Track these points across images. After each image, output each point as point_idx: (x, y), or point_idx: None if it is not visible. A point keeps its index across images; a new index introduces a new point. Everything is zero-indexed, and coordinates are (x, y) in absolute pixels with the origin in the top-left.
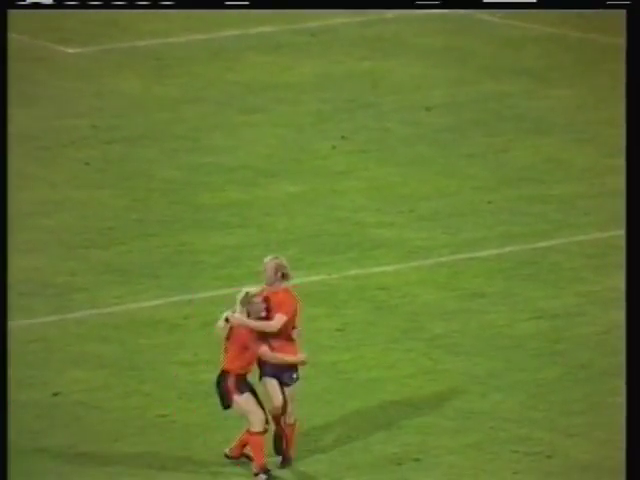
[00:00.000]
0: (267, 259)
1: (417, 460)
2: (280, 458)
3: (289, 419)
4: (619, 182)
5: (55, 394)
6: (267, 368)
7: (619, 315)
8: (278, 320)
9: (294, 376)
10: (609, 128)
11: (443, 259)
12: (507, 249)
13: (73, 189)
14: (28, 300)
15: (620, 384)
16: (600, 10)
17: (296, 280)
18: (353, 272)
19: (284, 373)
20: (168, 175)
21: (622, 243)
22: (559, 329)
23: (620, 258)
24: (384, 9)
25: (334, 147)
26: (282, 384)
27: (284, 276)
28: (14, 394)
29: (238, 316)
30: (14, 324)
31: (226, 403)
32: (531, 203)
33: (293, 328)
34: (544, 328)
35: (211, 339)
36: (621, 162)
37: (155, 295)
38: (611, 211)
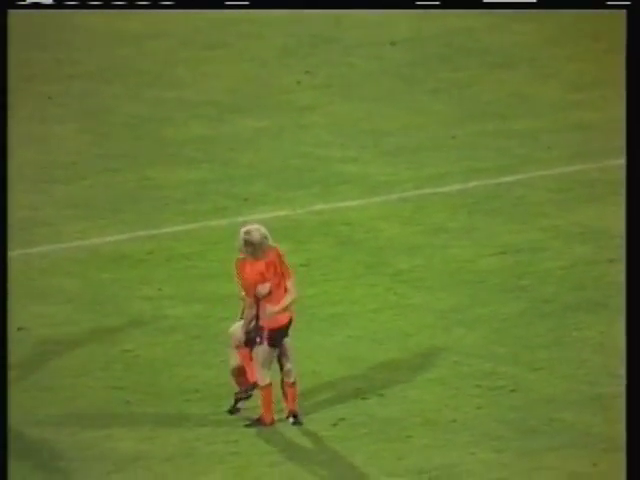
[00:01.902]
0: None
1: (381, 395)
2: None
3: (289, 378)
4: (583, 117)
5: (19, 329)
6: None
7: (583, 250)
8: (293, 287)
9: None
10: (573, 63)
11: (407, 194)
12: (471, 184)
13: (36, 124)
14: None
15: (584, 318)
16: (600, 10)
17: (261, 215)
18: (317, 207)
19: (283, 333)
20: (132, 110)
21: (586, 177)
22: (523, 264)
23: (584, 192)
24: (384, 9)
25: (299, 82)
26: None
27: (266, 244)
28: None
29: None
30: None
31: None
32: (495, 138)
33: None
34: (508, 263)
35: (175, 274)
36: (584, 97)
37: (119, 230)
38: (575, 146)
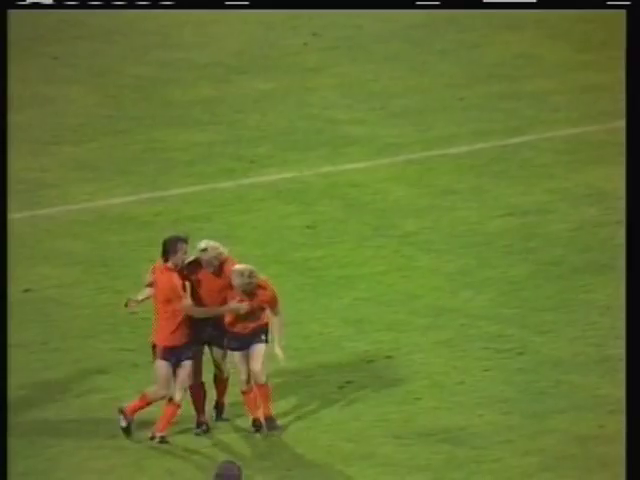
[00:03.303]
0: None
1: (389, 357)
2: (265, 424)
3: (259, 379)
4: (590, 78)
5: (26, 290)
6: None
7: (590, 212)
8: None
9: (262, 337)
10: (581, 24)
11: (414, 156)
12: (478, 146)
13: (42, 84)
14: None
15: (591, 281)
16: (600, 10)
17: (267, 177)
18: (324, 169)
19: (254, 335)
20: (138, 71)
21: (593, 139)
22: (530, 226)
23: (591, 154)
24: (384, 9)
25: (305, 44)
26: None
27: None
28: None
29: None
30: None
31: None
32: (502, 100)
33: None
34: (515, 225)
35: None
36: (592, 58)
37: (126, 192)
38: (582, 107)
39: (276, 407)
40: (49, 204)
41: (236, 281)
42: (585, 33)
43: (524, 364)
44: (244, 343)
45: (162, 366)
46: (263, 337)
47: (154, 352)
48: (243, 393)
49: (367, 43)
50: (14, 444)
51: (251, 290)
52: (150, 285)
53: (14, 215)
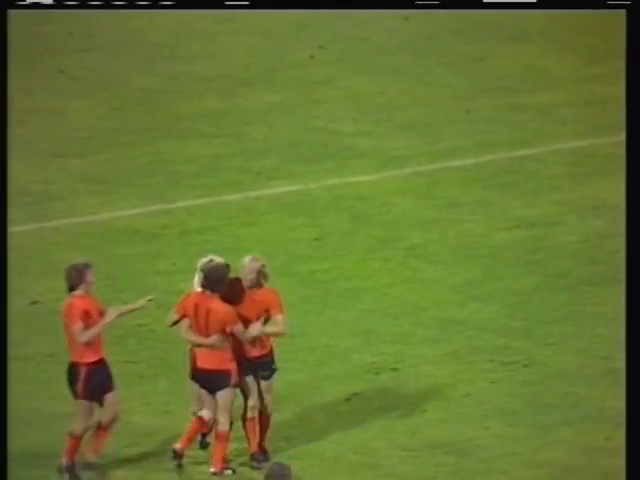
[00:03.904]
0: (246, 260)
1: (395, 370)
2: (261, 456)
3: (267, 410)
4: (596, 90)
5: (33, 302)
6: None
7: (597, 224)
8: (283, 322)
9: (274, 367)
10: (588, 36)
11: (421, 168)
12: (485, 158)
13: (49, 97)
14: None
15: (598, 293)
16: (600, 10)
17: (274, 190)
18: (331, 182)
19: (264, 365)
20: (145, 84)
21: (600, 151)
22: (537, 238)
23: (598, 166)
24: (384, 9)
25: (312, 56)
26: (260, 378)
27: (264, 277)
28: None
29: (259, 326)
30: None
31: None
32: (509, 112)
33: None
34: (522, 237)
35: (189, 249)
36: (598, 71)
37: (132, 204)
38: (589, 120)
39: (283, 418)
40: (55, 216)
41: (249, 266)
42: (591, 45)
43: (530, 376)
44: (253, 369)
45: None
46: (274, 367)
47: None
48: (245, 421)
49: (373, 55)
50: (18, 457)
51: (259, 282)
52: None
53: (20, 227)
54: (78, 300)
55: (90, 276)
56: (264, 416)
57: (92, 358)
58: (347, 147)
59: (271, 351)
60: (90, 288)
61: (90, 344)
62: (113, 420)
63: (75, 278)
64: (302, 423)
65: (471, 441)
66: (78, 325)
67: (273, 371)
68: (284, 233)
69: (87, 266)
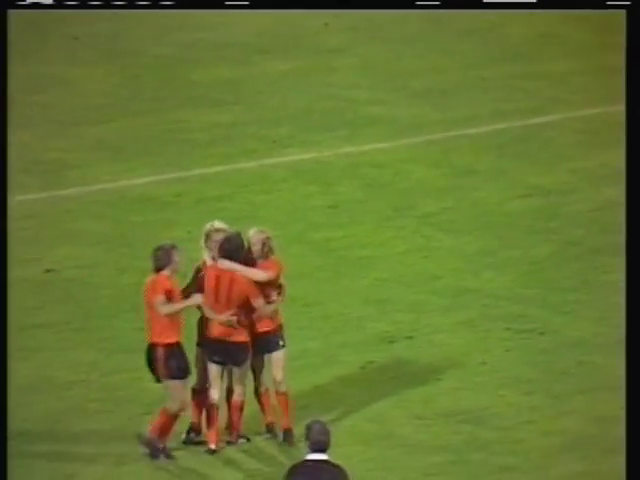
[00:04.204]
0: (252, 232)
1: (409, 338)
2: (282, 434)
3: (280, 387)
4: (612, 59)
5: (48, 270)
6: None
7: (612, 192)
8: (266, 272)
9: (280, 343)
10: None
11: (435, 136)
12: (499, 126)
13: (63, 65)
14: (20, 176)
15: (612, 261)
16: (600, 10)
17: (289, 157)
18: (345, 150)
19: (270, 341)
20: (160, 51)
21: (615, 119)
22: (551, 206)
23: (613, 134)
24: (384, 9)
25: (326, 24)
26: (268, 351)
27: (270, 250)
28: (8, 270)
29: (228, 263)
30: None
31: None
32: (524, 80)
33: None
34: (536, 205)
35: (204, 217)
36: (614, 39)
37: (147, 172)
38: (603, 87)
39: (298, 387)
40: (70, 185)
41: (255, 237)
42: (610, 14)
43: (545, 344)
44: (262, 346)
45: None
46: (281, 342)
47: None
48: (259, 395)
49: (388, 23)
50: (36, 423)
51: (266, 253)
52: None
53: (35, 195)
54: (163, 278)
55: (177, 256)
56: (279, 394)
57: (171, 339)
58: (361, 115)
59: (280, 326)
60: (176, 269)
61: (169, 323)
62: (180, 410)
63: (163, 258)
64: (317, 392)
65: (486, 410)
66: (160, 297)
67: (282, 346)
68: (299, 201)
69: (173, 247)
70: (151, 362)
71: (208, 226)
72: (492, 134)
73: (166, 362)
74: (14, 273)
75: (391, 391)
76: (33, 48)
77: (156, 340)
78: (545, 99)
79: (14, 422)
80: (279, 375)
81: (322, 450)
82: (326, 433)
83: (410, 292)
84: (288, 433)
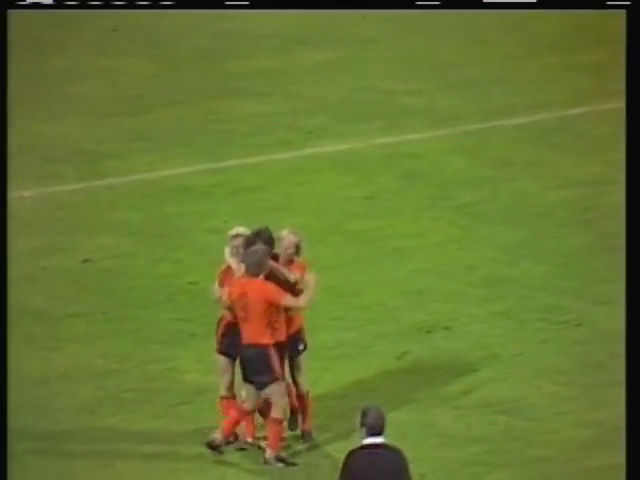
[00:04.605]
0: (285, 232)
1: (446, 328)
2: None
3: (301, 389)
4: None
5: (85, 261)
6: None
7: None
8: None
9: (300, 347)
10: None
11: (472, 127)
12: (536, 117)
13: (101, 56)
14: (58, 167)
15: None
16: (600, 10)
17: (324, 148)
18: (381, 140)
19: (291, 345)
20: (196, 42)
21: None
22: (588, 197)
23: None
24: (384, 9)
25: (364, 15)
26: (289, 356)
27: (298, 251)
28: (45, 260)
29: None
30: (44, 191)
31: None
32: (562, 71)
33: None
34: (573, 196)
35: (240, 207)
36: None
37: (183, 163)
38: None
39: (334, 377)
40: (108, 175)
41: (289, 239)
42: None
43: (581, 335)
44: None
45: None
46: (301, 347)
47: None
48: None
49: (425, 14)
50: (71, 413)
51: (295, 255)
52: None
53: (72, 186)
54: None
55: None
56: (299, 396)
57: (271, 340)
58: (398, 106)
59: (301, 329)
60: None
61: (268, 324)
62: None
63: (265, 265)
64: (353, 382)
65: (522, 400)
66: (286, 295)
67: (303, 349)
68: (335, 192)
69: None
70: (257, 365)
71: (232, 233)
72: (529, 125)
73: (276, 363)
74: (50, 263)
75: (427, 382)
76: (71, 40)
77: (267, 342)
78: (582, 90)
79: (49, 411)
80: (303, 379)
81: (379, 434)
82: (382, 417)
83: (446, 283)
84: (307, 436)
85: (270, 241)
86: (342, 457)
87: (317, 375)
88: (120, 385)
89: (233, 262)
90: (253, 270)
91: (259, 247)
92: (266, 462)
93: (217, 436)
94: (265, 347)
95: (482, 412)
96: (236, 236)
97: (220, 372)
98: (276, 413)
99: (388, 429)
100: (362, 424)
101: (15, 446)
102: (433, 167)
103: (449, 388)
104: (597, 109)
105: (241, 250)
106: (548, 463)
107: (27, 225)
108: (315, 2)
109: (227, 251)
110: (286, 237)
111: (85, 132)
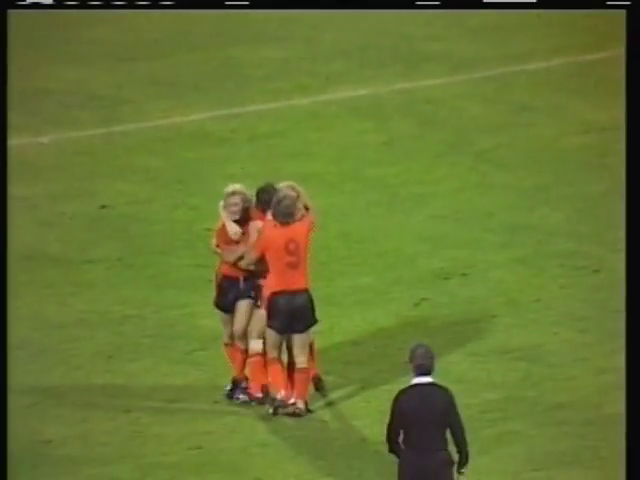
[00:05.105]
0: (301, 189)
1: (464, 275)
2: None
3: (300, 363)
4: None
5: (102, 206)
6: None
7: None
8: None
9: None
10: None
11: (491, 72)
12: (555, 62)
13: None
14: (75, 112)
15: None
16: (600, 10)
17: (342, 94)
18: (400, 86)
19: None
20: None
21: None
22: (607, 142)
23: None
24: (384, 9)
25: None
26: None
27: (306, 208)
28: (63, 206)
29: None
30: (62, 136)
31: None
32: (580, 16)
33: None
34: (592, 141)
35: (258, 153)
36: None
37: (202, 108)
38: None
39: (351, 323)
40: (125, 120)
41: (305, 194)
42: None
43: (600, 282)
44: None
45: None
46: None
47: None
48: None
49: None
50: (92, 358)
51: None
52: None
53: (90, 132)
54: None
55: None
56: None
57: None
58: (417, 51)
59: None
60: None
61: None
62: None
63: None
64: (370, 328)
65: (540, 346)
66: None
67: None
68: (353, 137)
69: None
70: (308, 311)
71: (229, 190)
72: (548, 70)
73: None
74: (67, 208)
75: (445, 328)
76: None
77: (308, 286)
78: (600, 35)
79: (68, 356)
80: (301, 355)
81: (427, 373)
82: (430, 357)
83: (464, 229)
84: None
85: (269, 200)
86: (359, 404)
87: (333, 322)
88: (137, 331)
89: (227, 219)
90: (287, 218)
91: (284, 193)
92: (295, 414)
93: (279, 396)
94: (310, 291)
95: (500, 359)
96: (233, 193)
97: (222, 323)
98: (305, 362)
99: (408, 374)
100: (410, 362)
101: (33, 393)
102: (451, 113)
103: (467, 335)
104: (616, 53)
105: (236, 208)
106: (566, 410)
107: (45, 171)
108: (315, 2)
109: (221, 206)
110: (303, 192)
111: (102, 77)
